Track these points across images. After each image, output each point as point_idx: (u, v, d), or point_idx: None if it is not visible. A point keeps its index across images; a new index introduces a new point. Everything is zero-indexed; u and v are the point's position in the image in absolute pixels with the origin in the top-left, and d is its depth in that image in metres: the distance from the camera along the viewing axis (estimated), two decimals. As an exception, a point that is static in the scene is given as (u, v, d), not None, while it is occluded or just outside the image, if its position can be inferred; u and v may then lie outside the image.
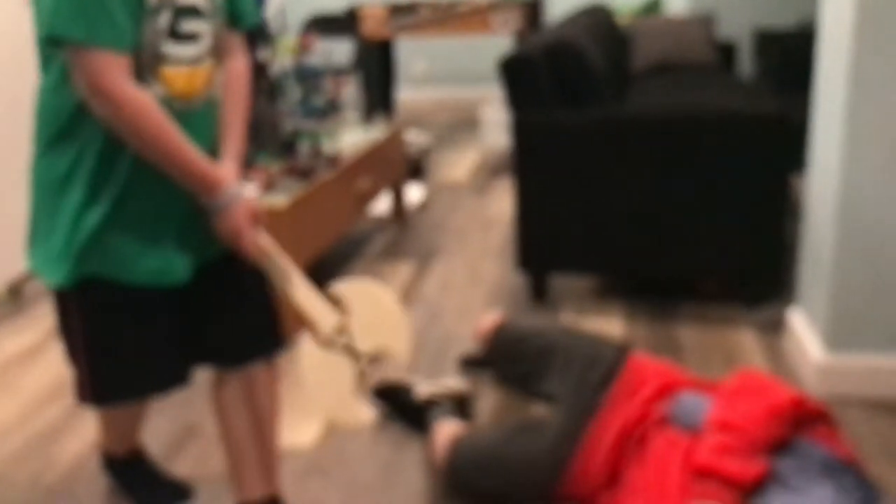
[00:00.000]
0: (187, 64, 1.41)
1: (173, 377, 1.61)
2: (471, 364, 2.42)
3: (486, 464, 1.82)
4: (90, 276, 1.45)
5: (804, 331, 2.36)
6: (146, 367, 1.56)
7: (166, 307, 1.54)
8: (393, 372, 2.41)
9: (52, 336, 2.84)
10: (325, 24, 5.40)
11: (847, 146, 2.08)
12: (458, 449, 1.87)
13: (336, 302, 1.63)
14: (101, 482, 2.01)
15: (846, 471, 1.52)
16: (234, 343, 1.63)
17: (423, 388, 2.16)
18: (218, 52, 1.50)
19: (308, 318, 1.60)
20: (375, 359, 1.67)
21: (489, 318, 2.23)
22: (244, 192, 1.49)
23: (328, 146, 3.12)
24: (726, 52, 4.79)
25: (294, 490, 1.92)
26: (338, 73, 4.07)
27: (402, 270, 3.31)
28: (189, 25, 1.40)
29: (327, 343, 1.61)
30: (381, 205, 3.99)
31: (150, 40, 1.35)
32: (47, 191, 1.44)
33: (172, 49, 1.39)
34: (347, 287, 1.67)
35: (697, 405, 1.69)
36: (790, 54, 4.36)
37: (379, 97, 5.36)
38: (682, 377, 1.83)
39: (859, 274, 2.16)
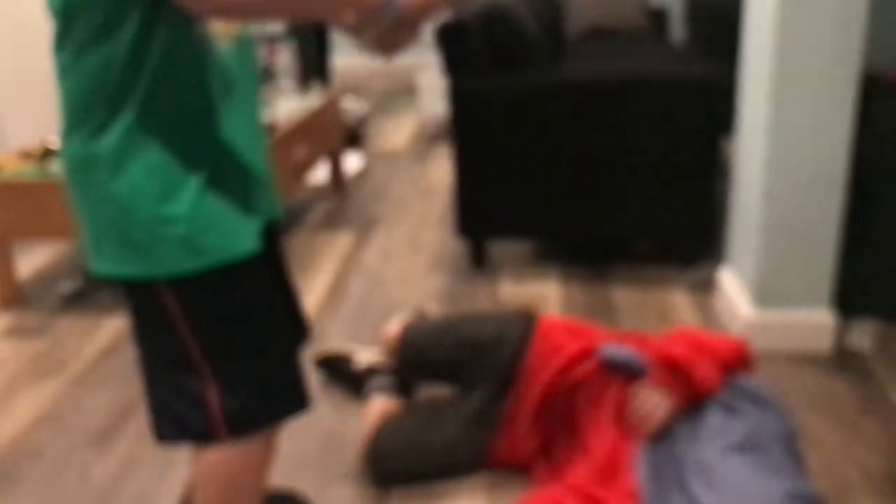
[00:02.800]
0: None
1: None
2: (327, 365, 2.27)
3: (410, 451, 1.82)
4: (196, 257, 1.19)
5: (734, 289, 2.45)
6: (292, 363, 1.30)
7: (270, 284, 1.30)
8: (334, 342, 2.42)
9: (-19, 314, 2.77)
10: (256, -10, 5.28)
11: (773, 110, 2.15)
12: (379, 443, 1.84)
13: None
14: (41, 462, 1.98)
15: (771, 405, 1.62)
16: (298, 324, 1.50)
17: (364, 356, 2.17)
18: None
19: None
20: None
21: (391, 328, 2.08)
22: None
23: (263, 115, 3.07)
24: (658, 18, 4.86)
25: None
26: (271, 40, 4.00)
27: (343, 239, 3.31)
28: None
29: None
30: (319, 174, 3.96)
31: None
32: (111, 176, 1.17)
33: None
34: None
35: (623, 350, 1.76)
36: (720, 20, 4.44)
37: (314, 64, 5.28)
38: (599, 333, 1.89)
39: (785, 234, 2.25)
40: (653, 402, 1.60)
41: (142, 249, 1.17)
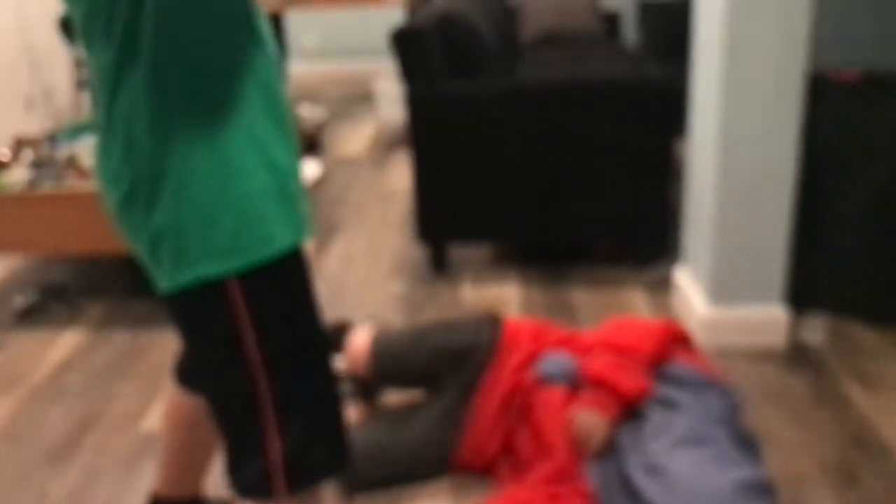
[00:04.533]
0: None
1: None
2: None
3: (376, 458, 1.83)
4: (290, 231, 1.10)
5: (689, 287, 2.49)
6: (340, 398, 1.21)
7: None
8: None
9: (-69, 331, 2.70)
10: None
11: (723, 111, 2.19)
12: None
13: None
14: (10, 466, 1.95)
15: (711, 386, 1.66)
16: None
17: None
18: None
19: None
20: None
21: (357, 340, 2.04)
22: None
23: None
24: (611, 22, 4.93)
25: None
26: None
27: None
28: None
29: None
30: (277, 181, 3.93)
31: None
32: (191, 175, 1.05)
33: None
34: None
35: (562, 359, 1.79)
36: (672, 23, 4.52)
37: (270, 72, 5.25)
38: (550, 336, 1.91)
39: (738, 232, 2.30)
40: (590, 423, 1.64)
41: (231, 237, 1.05)
